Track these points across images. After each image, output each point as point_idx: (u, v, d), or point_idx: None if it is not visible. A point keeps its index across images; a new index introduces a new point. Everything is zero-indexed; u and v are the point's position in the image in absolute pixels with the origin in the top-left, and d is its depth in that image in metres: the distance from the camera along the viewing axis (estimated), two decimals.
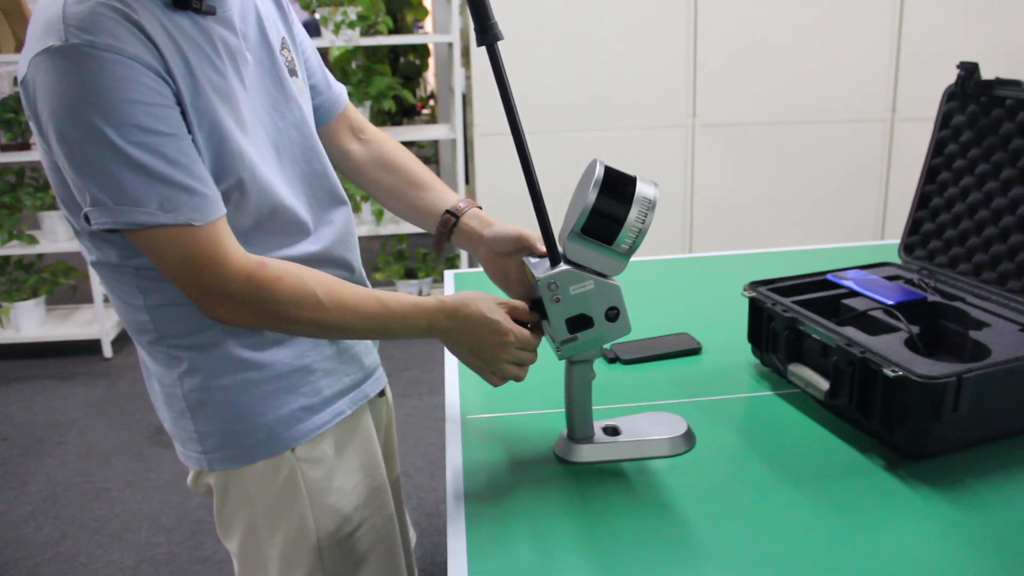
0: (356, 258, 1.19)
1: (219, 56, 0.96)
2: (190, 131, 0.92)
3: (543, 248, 1.04)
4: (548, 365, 1.15)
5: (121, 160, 0.86)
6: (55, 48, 0.84)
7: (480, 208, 1.21)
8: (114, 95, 0.85)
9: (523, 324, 1.05)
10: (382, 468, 1.21)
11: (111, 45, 0.84)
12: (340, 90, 1.29)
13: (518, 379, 1.07)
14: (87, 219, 0.91)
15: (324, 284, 0.99)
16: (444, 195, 1.23)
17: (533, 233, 1.09)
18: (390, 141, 1.29)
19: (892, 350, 1.10)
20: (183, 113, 0.91)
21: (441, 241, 1.21)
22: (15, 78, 3.69)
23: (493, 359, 1.05)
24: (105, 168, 0.86)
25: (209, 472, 1.09)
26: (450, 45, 3.61)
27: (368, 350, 1.20)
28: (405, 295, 1.04)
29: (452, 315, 1.03)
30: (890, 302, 1.28)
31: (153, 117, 0.87)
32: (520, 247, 1.11)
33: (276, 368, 1.06)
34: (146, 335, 1.05)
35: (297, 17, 1.22)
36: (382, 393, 1.28)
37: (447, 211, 1.19)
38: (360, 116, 1.31)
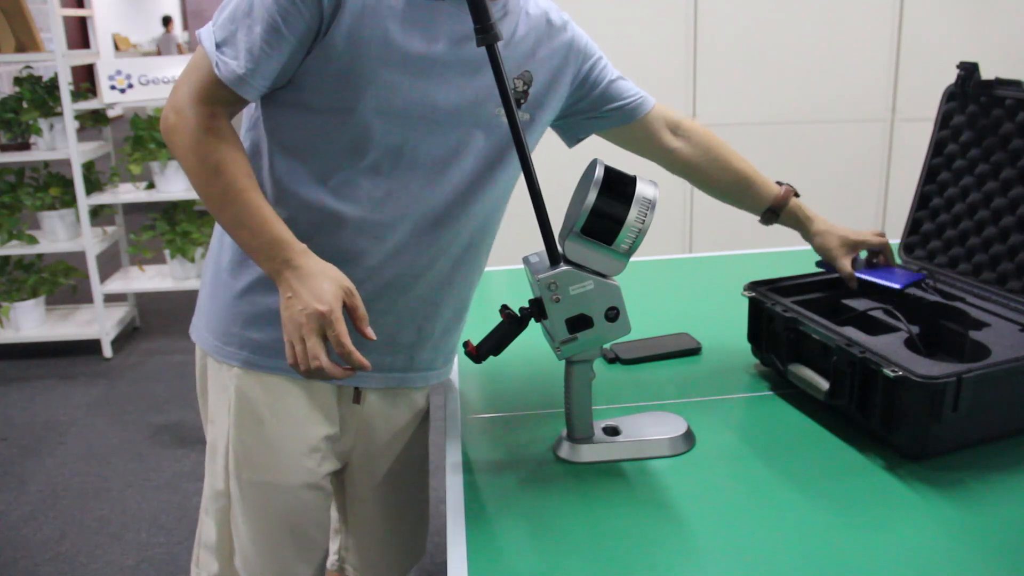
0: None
1: (416, 26, 1.05)
2: (328, 40, 1.02)
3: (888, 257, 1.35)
4: (548, 365, 1.15)
5: (237, 8, 1.03)
6: None
7: (796, 195, 1.46)
8: None
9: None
10: (310, 453, 1.19)
11: None
12: (644, 97, 1.39)
13: (302, 365, 1.02)
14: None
15: (235, 173, 1.05)
16: (768, 184, 1.46)
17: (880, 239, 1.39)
18: (711, 135, 1.42)
19: (892, 350, 1.10)
20: (331, 26, 1.02)
21: (771, 218, 1.47)
22: (15, 78, 3.69)
23: (296, 325, 1.00)
24: (229, 6, 1.04)
25: (198, 349, 1.25)
26: None
27: (366, 346, 1.18)
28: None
29: (306, 252, 1.04)
30: (898, 286, 1.31)
31: (278, 5, 0.99)
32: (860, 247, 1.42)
33: (267, 301, 1.13)
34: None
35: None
36: (357, 400, 1.24)
37: (769, 209, 1.45)
38: (672, 113, 1.41)
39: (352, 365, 1.02)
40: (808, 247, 1.45)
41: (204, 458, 1.28)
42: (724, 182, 1.44)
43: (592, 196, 0.94)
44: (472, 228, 1.19)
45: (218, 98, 1.05)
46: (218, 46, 1.04)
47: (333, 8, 1.02)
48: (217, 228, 1.20)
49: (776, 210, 1.44)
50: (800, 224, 1.45)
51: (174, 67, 3.59)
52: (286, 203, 1.11)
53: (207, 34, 1.05)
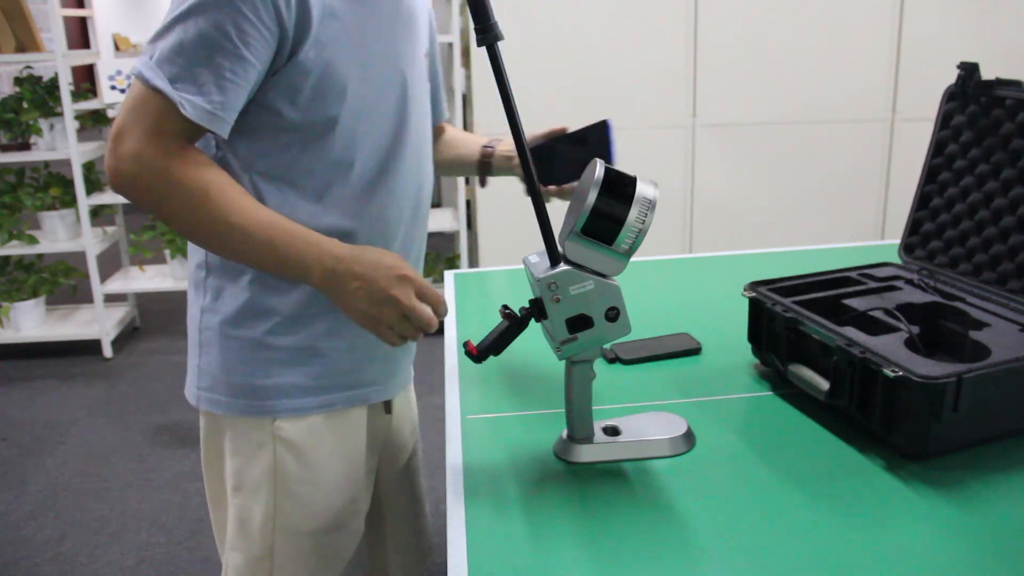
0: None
1: (367, 14, 1.03)
2: (300, 59, 0.97)
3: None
4: (548, 365, 1.15)
5: (181, 33, 0.93)
6: None
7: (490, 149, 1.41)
8: None
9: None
10: (360, 480, 1.20)
11: None
12: (441, 111, 1.40)
13: (410, 335, 1.03)
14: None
15: (231, 188, 0.99)
16: (477, 140, 1.43)
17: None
18: (446, 127, 1.45)
19: (892, 350, 1.10)
20: (300, 43, 0.96)
21: (485, 173, 1.41)
22: (15, 78, 3.69)
23: (386, 301, 1.00)
24: (170, 33, 0.94)
25: (199, 414, 1.15)
26: (450, 45, 3.61)
27: (381, 356, 1.18)
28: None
29: (352, 254, 1.01)
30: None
31: (235, 25, 0.93)
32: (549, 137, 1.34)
33: (285, 340, 1.08)
34: (196, 255, 1.11)
35: None
36: (388, 410, 1.27)
37: (483, 146, 1.40)
38: (446, 129, 1.46)
39: (442, 312, 1.05)
40: (808, 247, 1.45)
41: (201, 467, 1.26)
42: (448, 161, 1.45)
43: (592, 196, 0.94)
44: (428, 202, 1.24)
45: (179, 133, 0.96)
46: (172, 83, 0.93)
47: (297, 22, 0.96)
48: (206, 282, 1.10)
49: (492, 145, 1.43)
50: (510, 161, 1.41)
51: None
52: None
53: (151, 71, 0.94)
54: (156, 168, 0.95)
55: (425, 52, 1.20)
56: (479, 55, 3.35)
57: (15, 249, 3.58)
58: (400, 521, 1.39)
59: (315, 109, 1.01)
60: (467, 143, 1.43)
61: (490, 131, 3.42)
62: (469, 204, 3.85)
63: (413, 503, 1.38)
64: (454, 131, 1.47)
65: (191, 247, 1.13)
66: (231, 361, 1.09)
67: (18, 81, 3.66)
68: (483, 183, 1.43)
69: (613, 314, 1.01)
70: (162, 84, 0.93)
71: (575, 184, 1.26)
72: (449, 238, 4.26)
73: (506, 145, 1.37)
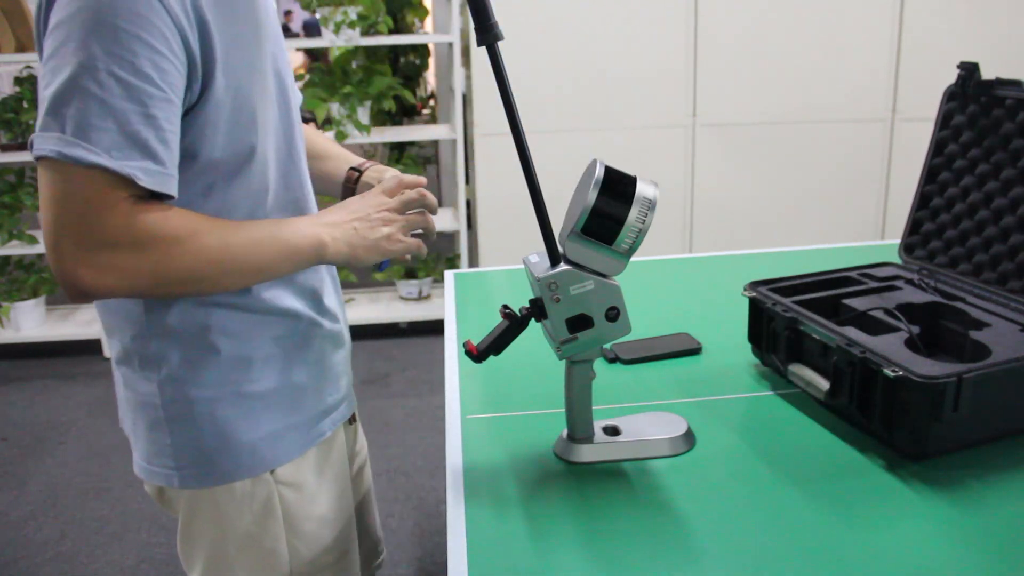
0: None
1: (250, 25, 0.95)
2: (212, 91, 0.88)
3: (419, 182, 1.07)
4: (548, 365, 1.15)
5: (95, 91, 0.79)
6: None
7: (382, 165, 1.23)
8: (123, 25, 0.79)
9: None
10: (351, 498, 1.19)
11: None
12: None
13: (417, 226, 1.02)
14: (31, 146, 0.82)
15: (213, 218, 0.92)
16: (348, 158, 1.24)
17: (407, 176, 1.08)
18: (313, 133, 1.28)
19: (892, 350, 1.10)
20: (209, 73, 0.88)
21: (346, 198, 1.18)
22: (15, 78, 3.69)
23: (380, 216, 0.99)
24: (75, 92, 0.79)
25: (177, 489, 1.03)
26: (450, 45, 3.61)
27: (345, 371, 1.18)
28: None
29: (324, 213, 1.00)
30: None
31: (152, 63, 0.81)
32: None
33: (266, 383, 1.02)
34: (130, 327, 0.98)
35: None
36: (352, 420, 1.26)
37: (351, 168, 1.21)
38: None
39: (423, 183, 1.04)
40: (808, 247, 1.45)
41: None
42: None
43: (592, 196, 0.94)
44: None
45: (127, 200, 0.83)
46: (111, 153, 0.80)
47: (202, 49, 0.87)
48: (156, 352, 0.98)
49: (361, 169, 1.22)
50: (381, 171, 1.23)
51: None
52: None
53: (77, 147, 0.79)
54: (124, 243, 0.83)
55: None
56: (479, 55, 3.34)
57: (15, 249, 3.58)
58: (363, 525, 1.38)
59: (236, 141, 0.93)
60: (333, 158, 1.25)
61: (490, 130, 3.43)
62: (469, 204, 3.85)
63: (366, 503, 1.36)
64: (314, 135, 1.27)
65: (112, 323, 1.01)
66: (215, 425, 0.99)
67: (18, 81, 3.66)
68: None
69: (613, 314, 1.01)
70: (101, 159, 0.79)
71: None
72: (449, 238, 4.26)
73: (375, 171, 1.21)
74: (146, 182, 0.82)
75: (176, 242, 0.86)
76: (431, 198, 1.05)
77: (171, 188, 0.86)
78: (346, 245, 0.98)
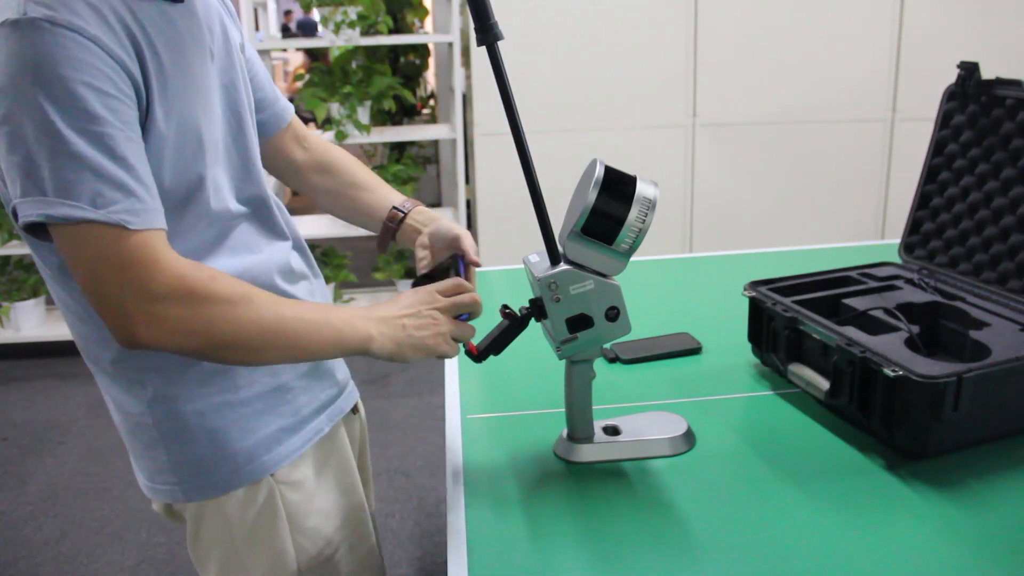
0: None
1: (187, 48, 0.92)
2: (153, 124, 0.87)
3: (474, 256, 1.08)
4: (548, 365, 1.15)
5: (60, 146, 0.78)
6: (11, 21, 0.78)
7: (424, 206, 1.21)
8: (66, 75, 0.78)
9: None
10: (359, 486, 1.18)
11: (72, 23, 0.78)
12: (287, 103, 1.24)
13: (463, 336, 1.02)
14: (15, 215, 0.82)
15: (259, 289, 0.93)
16: (388, 194, 1.22)
17: (468, 236, 1.11)
18: (332, 146, 1.27)
19: (892, 350, 1.10)
20: (148, 105, 0.86)
21: (386, 239, 1.20)
22: None
23: (430, 315, 0.99)
24: (41, 153, 0.78)
25: (183, 503, 1.03)
26: (450, 45, 3.61)
27: (340, 364, 1.17)
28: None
29: (377, 307, 0.99)
30: None
31: (104, 106, 0.80)
32: (453, 248, 1.12)
33: (252, 388, 1.01)
34: (108, 352, 0.98)
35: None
36: (355, 410, 1.25)
37: (394, 207, 1.19)
38: (303, 126, 1.27)
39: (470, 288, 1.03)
40: (808, 247, 1.45)
41: None
42: (338, 187, 1.24)
43: (592, 196, 0.94)
44: None
45: (147, 251, 0.83)
46: (96, 205, 0.79)
47: (143, 80, 0.85)
48: (136, 371, 0.98)
49: (404, 209, 1.19)
50: (427, 217, 1.19)
51: None
52: None
53: (65, 207, 0.78)
54: (184, 299, 0.83)
55: (240, 46, 1.07)
56: (479, 55, 3.34)
57: (15, 249, 3.58)
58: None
59: (182, 169, 0.91)
60: (373, 190, 1.23)
61: (490, 130, 3.43)
62: (469, 204, 3.85)
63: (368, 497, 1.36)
64: (352, 163, 1.25)
65: (88, 345, 1.01)
66: (209, 436, 0.99)
67: None
68: (383, 248, 1.22)
69: (613, 314, 1.01)
70: (87, 213, 0.79)
71: None
72: None
73: (418, 214, 1.19)
74: (136, 224, 0.81)
75: (230, 304, 0.86)
76: (480, 307, 1.03)
77: (160, 222, 0.85)
78: (392, 342, 0.97)
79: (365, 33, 3.58)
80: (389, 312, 0.99)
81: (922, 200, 1.48)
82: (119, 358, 0.98)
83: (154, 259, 0.82)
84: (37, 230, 0.83)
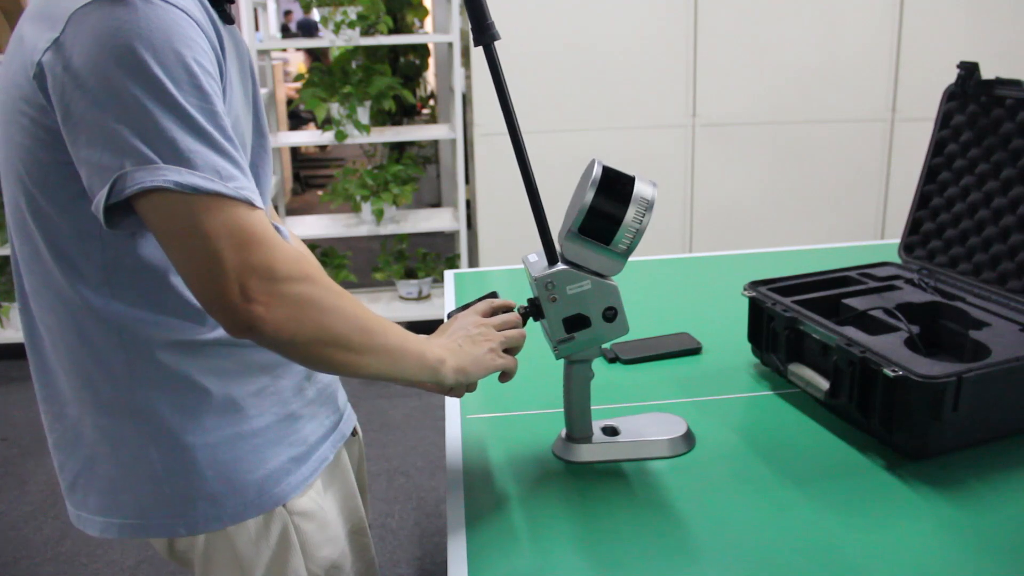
0: None
1: (243, 63, 0.95)
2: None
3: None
4: (548, 365, 1.15)
5: (181, 117, 0.75)
6: None
7: None
8: (181, 50, 0.76)
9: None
10: (361, 509, 1.17)
11: (179, 2, 0.78)
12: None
13: (515, 345, 1.03)
14: (111, 189, 0.75)
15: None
16: None
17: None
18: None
19: (892, 350, 1.09)
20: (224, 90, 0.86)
21: None
22: None
23: (479, 331, 1.01)
24: (161, 123, 0.74)
25: (188, 538, 0.97)
26: (450, 45, 3.61)
27: (340, 388, 1.16)
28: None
29: (437, 337, 1.01)
30: None
31: (211, 87, 0.78)
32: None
33: (263, 419, 0.97)
34: (111, 379, 0.92)
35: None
36: (354, 432, 1.22)
37: None
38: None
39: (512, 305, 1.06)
40: (808, 247, 1.44)
41: None
42: None
43: (589, 195, 0.94)
44: None
45: (268, 228, 0.80)
46: (218, 176, 0.77)
47: (220, 74, 0.84)
48: (143, 403, 0.92)
49: None
50: None
51: None
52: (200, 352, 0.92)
53: (193, 178, 0.74)
54: (305, 280, 0.80)
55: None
56: (479, 55, 3.34)
57: None
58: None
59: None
60: None
61: (490, 130, 3.43)
62: (469, 204, 3.85)
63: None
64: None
65: (91, 373, 0.94)
66: (218, 470, 0.94)
67: None
68: None
69: (611, 314, 1.00)
70: (216, 186, 0.75)
71: None
72: (449, 238, 4.26)
73: None
74: (258, 202, 0.79)
75: (335, 293, 0.83)
76: (520, 321, 1.05)
77: (260, 202, 0.81)
78: (456, 360, 0.97)
79: (365, 33, 3.58)
80: (444, 340, 1.00)
81: (922, 200, 1.48)
82: (123, 384, 0.92)
83: (274, 238, 0.79)
84: (112, 213, 0.77)
